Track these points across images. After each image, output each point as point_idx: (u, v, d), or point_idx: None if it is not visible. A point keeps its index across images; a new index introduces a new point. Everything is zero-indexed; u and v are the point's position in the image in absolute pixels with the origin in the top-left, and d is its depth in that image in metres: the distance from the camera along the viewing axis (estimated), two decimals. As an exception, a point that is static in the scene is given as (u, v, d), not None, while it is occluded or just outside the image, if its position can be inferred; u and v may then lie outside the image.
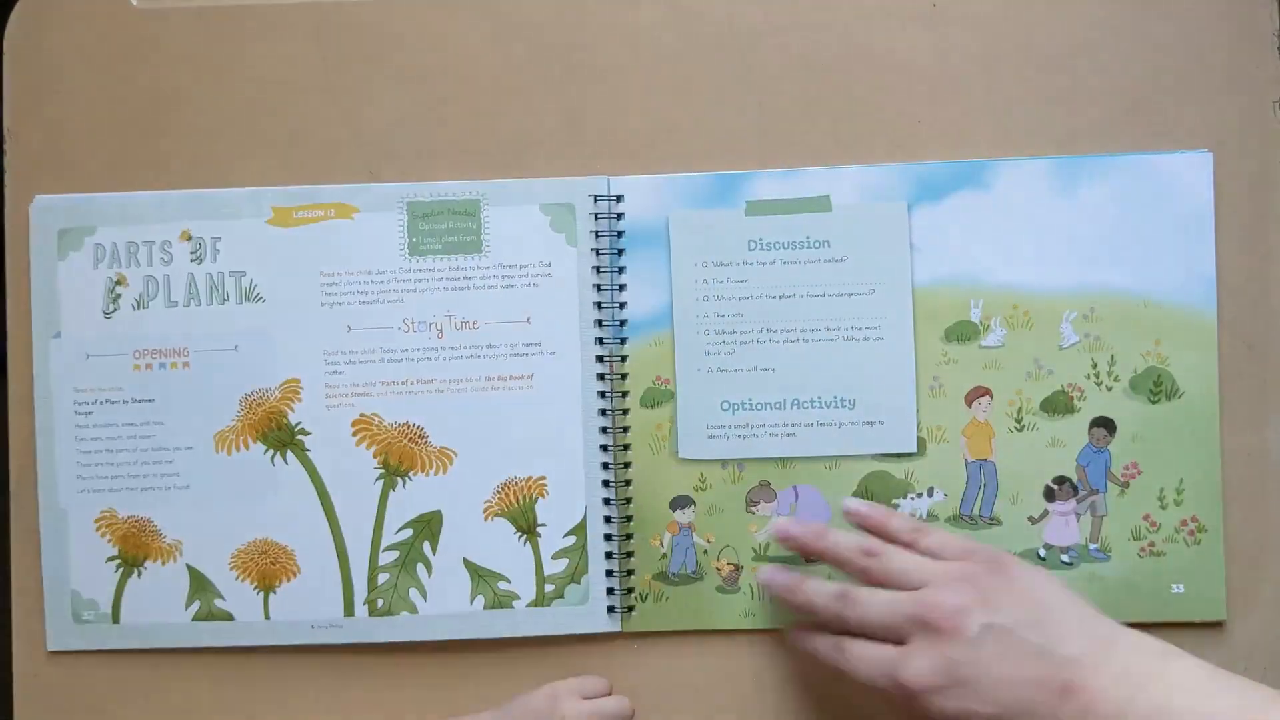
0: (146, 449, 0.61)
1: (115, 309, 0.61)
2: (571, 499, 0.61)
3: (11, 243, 0.62)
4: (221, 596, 0.61)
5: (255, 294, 0.61)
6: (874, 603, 0.53)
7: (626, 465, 0.61)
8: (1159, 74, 0.60)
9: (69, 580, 0.61)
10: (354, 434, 0.61)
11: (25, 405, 0.62)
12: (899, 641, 0.52)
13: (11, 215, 0.62)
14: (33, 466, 0.61)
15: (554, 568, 0.61)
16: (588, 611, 0.60)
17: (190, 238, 0.61)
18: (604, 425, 0.61)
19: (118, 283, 0.61)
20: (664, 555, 0.61)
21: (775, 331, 0.61)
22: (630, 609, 0.61)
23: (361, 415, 0.61)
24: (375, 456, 0.61)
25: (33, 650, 0.62)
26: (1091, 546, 0.60)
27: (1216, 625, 0.59)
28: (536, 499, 0.61)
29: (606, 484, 0.61)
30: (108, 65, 0.62)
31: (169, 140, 0.62)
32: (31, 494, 0.61)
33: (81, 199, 0.62)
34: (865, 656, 0.52)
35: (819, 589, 0.55)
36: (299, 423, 0.61)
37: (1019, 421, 0.60)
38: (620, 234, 0.61)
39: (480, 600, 0.61)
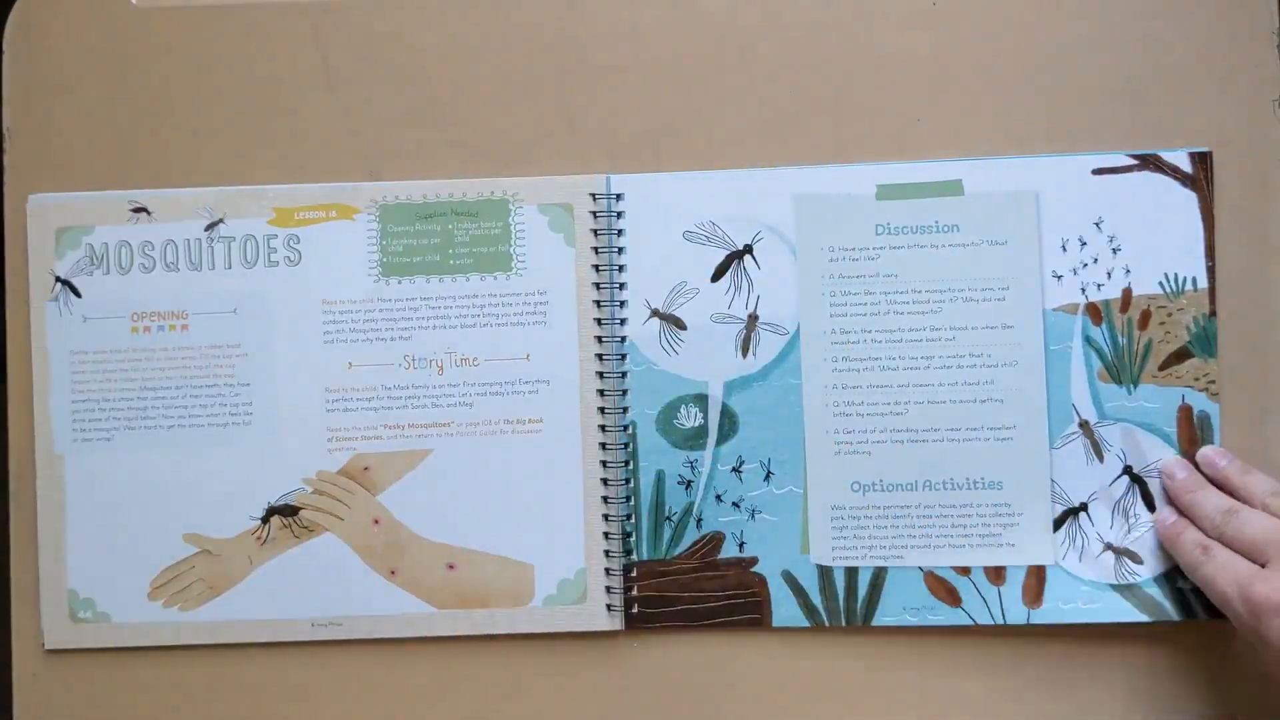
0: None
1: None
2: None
3: (10, 242, 0.62)
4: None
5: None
6: (1256, 519, 0.55)
7: (627, 462, 0.61)
8: (1159, 72, 0.60)
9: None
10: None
11: (24, 405, 0.62)
12: (1261, 563, 0.54)
13: (11, 215, 0.62)
14: (31, 468, 0.61)
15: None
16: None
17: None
18: (603, 424, 0.60)
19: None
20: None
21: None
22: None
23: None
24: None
25: (31, 648, 0.61)
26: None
27: (1219, 624, 0.59)
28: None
29: (606, 482, 0.60)
30: (107, 65, 0.62)
31: (168, 140, 0.62)
32: (30, 491, 0.61)
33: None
34: (1226, 564, 0.55)
35: (1212, 494, 0.58)
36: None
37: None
38: (620, 233, 0.61)
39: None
